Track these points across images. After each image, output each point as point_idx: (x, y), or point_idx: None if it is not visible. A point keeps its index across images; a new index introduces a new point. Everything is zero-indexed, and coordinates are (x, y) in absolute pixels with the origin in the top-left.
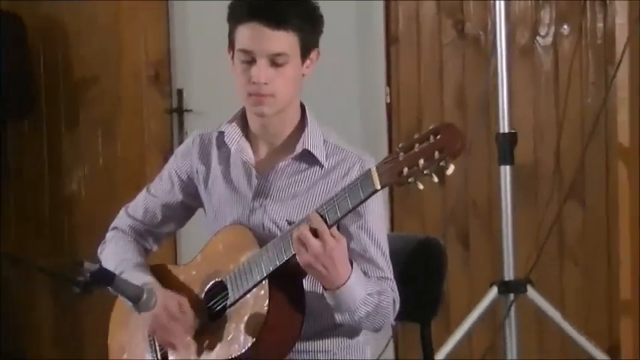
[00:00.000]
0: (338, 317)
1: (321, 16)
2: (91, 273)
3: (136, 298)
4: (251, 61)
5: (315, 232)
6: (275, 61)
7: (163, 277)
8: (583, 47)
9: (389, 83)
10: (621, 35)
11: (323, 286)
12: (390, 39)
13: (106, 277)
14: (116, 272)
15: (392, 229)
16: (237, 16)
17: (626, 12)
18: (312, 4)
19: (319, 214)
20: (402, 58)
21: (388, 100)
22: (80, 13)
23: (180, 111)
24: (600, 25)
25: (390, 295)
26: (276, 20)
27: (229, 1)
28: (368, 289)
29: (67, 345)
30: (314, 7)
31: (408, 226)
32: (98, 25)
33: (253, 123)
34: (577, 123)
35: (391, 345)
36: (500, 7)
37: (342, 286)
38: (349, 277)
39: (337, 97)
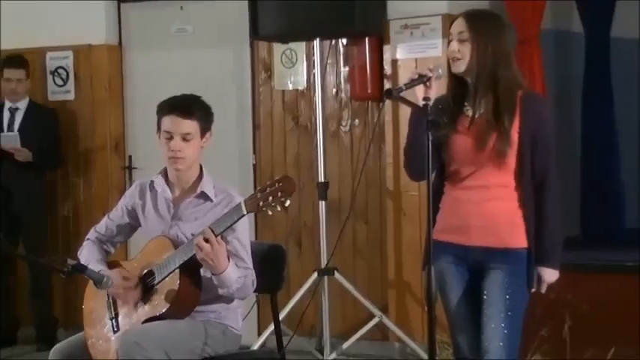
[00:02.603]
0: (220, 291)
1: (212, 113)
2: (72, 266)
3: (99, 281)
4: (170, 137)
5: (207, 240)
6: (185, 138)
7: (117, 267)
8: (367, 133)
9: (255, 152)
10: (388, 126)
11: (211, 273)
12: (255, 126)
13: (81, 268)
14: (87, 265)
15: (256, 237)
16: (162, 111)
17: (391, 112)
18: (207, 105)
19: (210, 229)
20: (263, 138)
21: (254, 162)
22: (79, 107)
23: (130, 168)
24: (376, 119)
25: (250, 278)
26: (186, 113)
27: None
28: (238, 274)
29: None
30: (208, 107)
31: (265, 236)
32: (85, 114)
33: (171, 175)
34: (363, 176)
35: (255, 308)
36: (319, 108)
37: (222, 272)
38: (227, 267)
39: (224, 160)
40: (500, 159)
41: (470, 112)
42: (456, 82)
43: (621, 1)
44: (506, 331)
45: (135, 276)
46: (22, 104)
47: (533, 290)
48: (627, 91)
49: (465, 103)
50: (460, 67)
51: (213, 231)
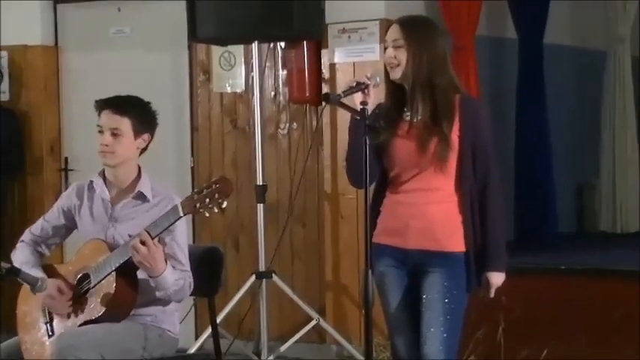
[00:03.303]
0: (157, 294)
1: (154, 117)
2: (6, 269)
3: (33, 284)
4: (101, 131)
5: (144, 242)
6: (114, 133)
7: (52, 271)
8: (305, 136)
9: (193, 154)
10: (326, 130)
11: (148, 275)
12: (193, 128)
13: (14, 271)
14: (21, 268)
15: (194, 240)
16: (100, 107)
17: (329, 116)
18: (147, 108)
19: (147, 231)
20: (201, 140)
21: (192, 165)
22: (14, 108)
23: (66, 170)
24: (315, 123)
25: (188, 281)
26: (117, 109)
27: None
28: (175, 277)
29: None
30: (148, 110)
31: (203, 237)
32: (20, 115)
33: (108, 174)
34: (300, 178)
35: (192, 311)
36: (257, 111)
37: (160, 275)
38: (164, 270)
39: (162, 162)
40: (442, 162)
41: (409, 117)
42: (394, 88)
43: (554, 8)
44: (445, 335)
45: (71, 286)
46: None
47: (482, 295)
48: (560, 95)
49: (405, 109)
50: (397, 74)
51: (149, 233)
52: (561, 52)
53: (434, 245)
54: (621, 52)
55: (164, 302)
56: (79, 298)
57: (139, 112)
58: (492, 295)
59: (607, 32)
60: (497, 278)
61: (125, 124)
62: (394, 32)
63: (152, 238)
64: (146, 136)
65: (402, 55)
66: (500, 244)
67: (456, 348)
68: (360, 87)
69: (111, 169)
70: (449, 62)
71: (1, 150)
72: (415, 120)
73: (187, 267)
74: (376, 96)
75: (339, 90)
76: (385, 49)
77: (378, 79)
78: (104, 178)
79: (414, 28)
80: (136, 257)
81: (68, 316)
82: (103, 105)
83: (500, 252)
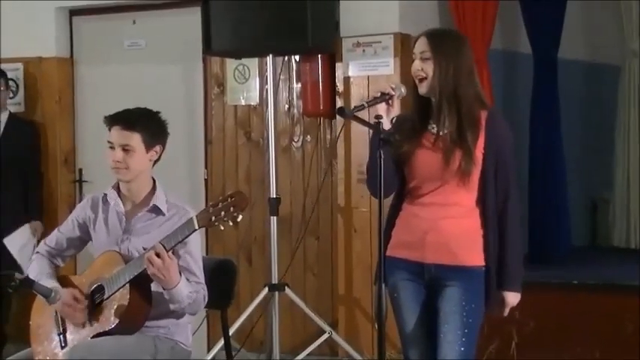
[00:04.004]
0: (171, 306)
1: (163, 128)
2: (20, 280)
3: (47, 295)
4: (112, 147)
5: (158, 255)
6: (125, 148)
7: (66, 282)
8: (319, 149)
9: (206, 167)
10: (339, 143)
11: (162, 287)
12: (207, 141)
13: (29, 283)
14: (35, 280)
15: (206, 252)
16: (108, 122)
17: (343, 129)
18: (157, 119)
19: (161, 243)
20: (215, 153)
21: (206, 177)
22: (44, 121)
23: (80, 182)
24: (328, 136)
25: (202, 293)
26: (126, 125)
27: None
28: (189, 289)
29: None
30: (157, 121)
31: (216, 250)
32: (46, 131)
33: (122, 188)
34: (315, 192)
35: (205, 322)
36: (271, 124)
37: (174, 287)
38: (179, 282)
39: (176, 174)
40: (465, 177)
41: (435, 130)
42: (420, 99)
43: (568, 23)
44: (462, 349)
45: (85, 295)
46: (3, 117)
47: (495, 313)
48: (574, 110)
49: (430, 121)
50: (424, 89)
51: (164, 246)
52: (575, 67)
53: (451, 260)
54: (635, 66)
55: (178, 315)
56: (92, 309)
57: (148, 126)
58: (506, 314)
59: (621, 46)
60: (513, 298)
61: (135, 140)
62: (422, 44)
63: (167, 251)
64: (158, 147)
65: (429, 68)
66: (518, 263)
67: None
68: (385, 97)
69: (125, 183)
70: (476, 75)
71: (17, 160)
72: (442, 132)
73: (202, 280)
74: (398, 108)
75: (358, 102)
76: (413, 61)
77: (402, 90)
78: (118, 192)
79: (441, 40)
80: (150, 269)
81: (83, 325)
82: (112, 121)
83: (518, 271)
